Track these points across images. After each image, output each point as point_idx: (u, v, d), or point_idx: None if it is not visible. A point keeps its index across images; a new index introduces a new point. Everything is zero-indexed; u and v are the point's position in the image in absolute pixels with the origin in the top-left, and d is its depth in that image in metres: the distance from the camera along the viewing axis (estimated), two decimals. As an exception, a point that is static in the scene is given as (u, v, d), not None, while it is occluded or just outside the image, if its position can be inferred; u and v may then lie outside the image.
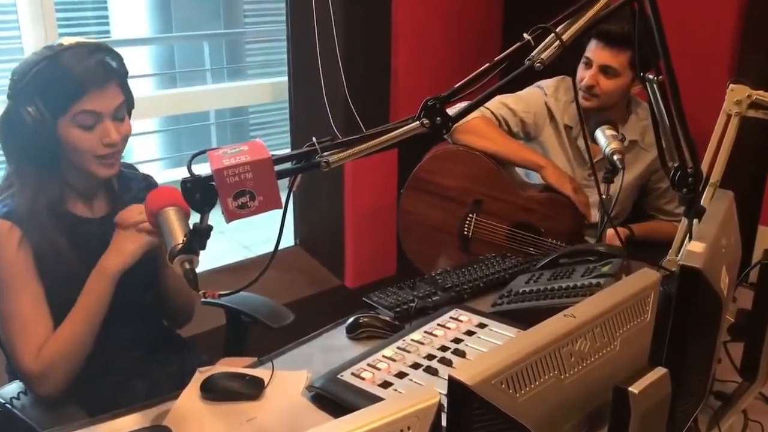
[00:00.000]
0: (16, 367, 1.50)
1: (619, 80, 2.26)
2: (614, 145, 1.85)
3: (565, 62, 1.29)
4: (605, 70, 2.25)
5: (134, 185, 1.69)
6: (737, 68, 2.51)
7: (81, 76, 1.43)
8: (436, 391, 0.78)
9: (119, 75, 1.51)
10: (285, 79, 3.09)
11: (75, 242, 1.52)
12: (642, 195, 2.51)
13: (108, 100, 1.48)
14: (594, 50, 2.26)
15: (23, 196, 1.49)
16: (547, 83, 2.43)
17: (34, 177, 1.50)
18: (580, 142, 2.39)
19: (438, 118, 1.21)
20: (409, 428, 0.75)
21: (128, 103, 1.54)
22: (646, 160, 2.40)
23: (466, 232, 2.40)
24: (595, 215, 2.30)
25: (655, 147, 2.32)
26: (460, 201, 2.41)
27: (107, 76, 1.47)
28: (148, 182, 1.73)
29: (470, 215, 2.39)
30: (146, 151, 4.45)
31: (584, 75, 2.28)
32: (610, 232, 2.19)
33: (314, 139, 1.19)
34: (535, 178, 2.41)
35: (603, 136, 1.90)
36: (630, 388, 0.89)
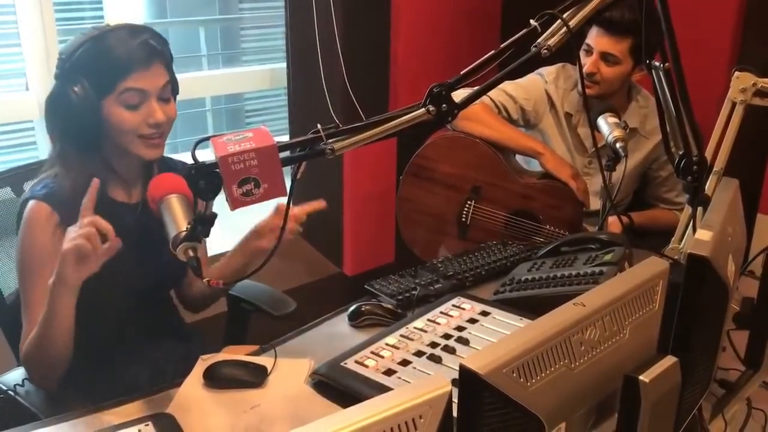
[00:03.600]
0: None
1: (619, 68, 2.25)
2: (617, 132, 1.84)
3: (572, 49, 1.28)
4: (606, 57, 2.24)
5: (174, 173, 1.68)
6: (740, 56, 2.51)
7: (126, 54, 1.44)
8: (447, 380, 0.78)
9: (164, 56, 1.51)
10: (282, 65, 3.06)
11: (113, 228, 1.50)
12: (642, 184, 2.51)
13: (154, 79, 1.47)
14: (595, 37, 2.25)
15: (66, 179, 1.48)
16: (548, 70, 2.42)
17: (77, 160, 1.49)
18: (581, 130, 2.39)
19: (444, 105, 1.21)
20: (420, 417, 0.75)
21: (173, 85, 1.54)
22: (646, 148, 2.39)
23: (464, 219, 2.40)
24: (595, 203, 2.30)
25: (654, 135, 2.34)
26: (459, 188, 2.40)
27: (152, 55, 1.47)
28: None
29: (469, 202, 2.39)
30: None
31: (585, 62, 2.26)
32: (611, 219, 2.20)
33: (319, 126, 1.18)
34: (536, 166, 2.41)
35: (605, 124, 1.89)
36: (641, 377, 0.89)
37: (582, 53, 2.30)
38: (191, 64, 4.48)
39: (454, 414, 0.79)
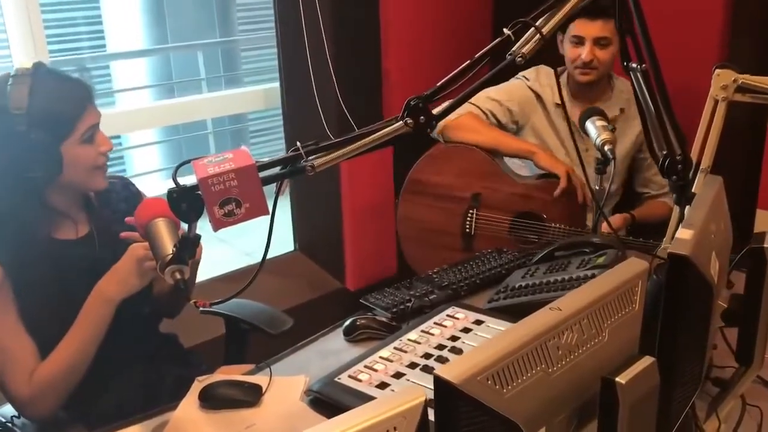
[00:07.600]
0: (6, 395, 1.49)
1: (612, 48, 2.31)
2: (605, 135, 1.85)
3: (548, 52, 1.30)
4: (599, 41, 2.29)
5: (113, 197, 1.69)
6: (727, 57, 2.51)
7: (77, 94, 1.49)
8: (423, 390, 0.78)
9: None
10: (278, 85, 3.09)
11: (57, 268, 1.52)
12: (632, 172, 2.53)
13: (98, 112, 1.54)
14: (584, 26, 2.29)
15: (7, 229, 1.47)
16: (527, 72, 2.48)
17: (19, 206, 1.48)
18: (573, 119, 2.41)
19: (421, 117, 1.22)
20: (395, 428, 0.75)
21: None
22: (635, 129, 2.42)
23: (468, 230, 2.39)
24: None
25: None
26: (459, 198, 2.41)
27: (92, 90, 1.54)
28: (129, 191, 1.72)
29: (470, 211, 2.39)
30: (147, 162, 4.47)
31: (579, 52, 2.31)
32: (614, 217, 2.24)
33: (298, 143, 1.19)
34: (528, 171, 2.43)
35: (593, 127, 1.90)
36: (617, 379, 0.88)
37: (570, 46, 2.33)
38: (193, 87, 4.52)
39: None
